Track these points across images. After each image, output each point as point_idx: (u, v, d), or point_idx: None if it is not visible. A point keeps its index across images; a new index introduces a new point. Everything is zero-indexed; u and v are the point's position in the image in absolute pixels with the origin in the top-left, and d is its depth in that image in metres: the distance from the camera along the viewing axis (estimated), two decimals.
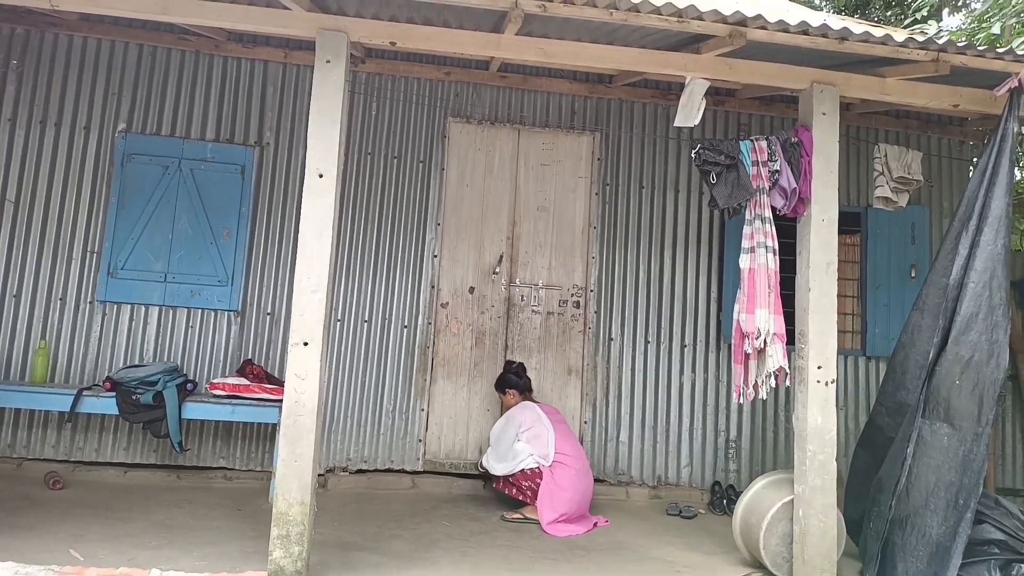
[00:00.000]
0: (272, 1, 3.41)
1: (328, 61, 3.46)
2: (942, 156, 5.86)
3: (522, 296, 5.33)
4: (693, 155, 3.87)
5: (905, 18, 9.61)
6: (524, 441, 4.56)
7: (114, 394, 4.36)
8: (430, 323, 5.21)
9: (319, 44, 3.48)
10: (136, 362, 4.84)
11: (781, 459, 5.34)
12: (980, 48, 3.65)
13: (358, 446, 5.08)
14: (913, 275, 5.62)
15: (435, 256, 5.25)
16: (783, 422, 5.39)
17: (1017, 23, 7.16)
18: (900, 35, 3.72)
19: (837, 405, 3.79)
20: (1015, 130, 3.81)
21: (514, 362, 5.03)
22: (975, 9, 8.25)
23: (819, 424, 3.66)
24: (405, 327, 5.20)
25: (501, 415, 4.89)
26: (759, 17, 3.39)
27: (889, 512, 3.66)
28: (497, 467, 4.61)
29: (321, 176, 3.42)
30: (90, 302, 4.92)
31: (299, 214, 3.46)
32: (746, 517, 3.91)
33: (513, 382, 4.90)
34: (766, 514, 3.74)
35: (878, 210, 4.94)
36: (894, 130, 5.78)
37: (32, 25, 4.95)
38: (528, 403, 4.81)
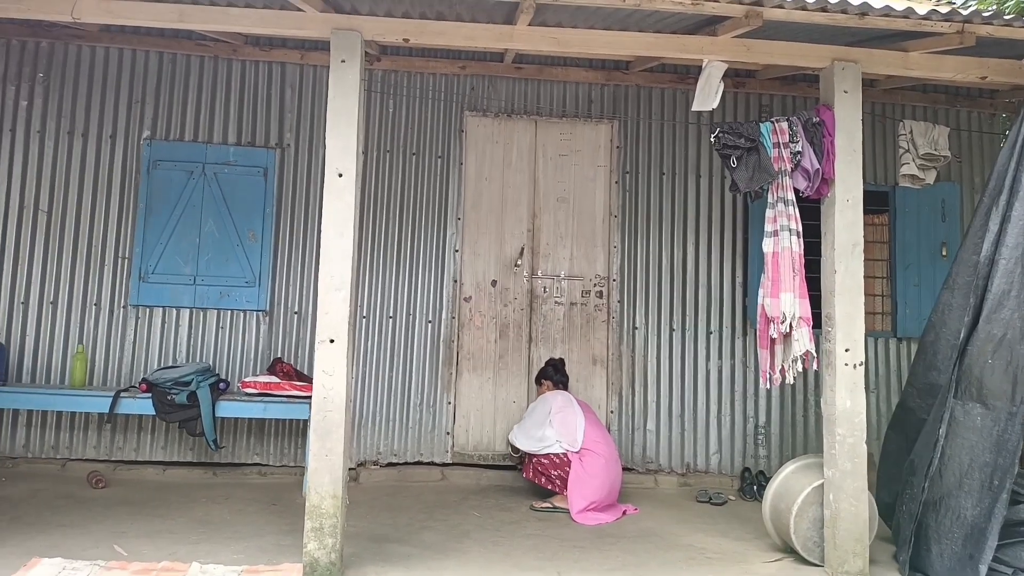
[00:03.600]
0: (286, 3, 3.45)
1: (343, 61, 3.49)
2: (972, 130, 5.71)
3: (544, 287, 5.34)
4: (712, 139, 3.83)
5: None
6: (553, 427, 4.58)
7: (150, 395, 4.48)
8: (454, 317, 5.25)
9: (333, 44, 3.51)
10: (170, 363, 4.95)
11: (812, 443, 5.28)
12: (1007, 17, 3.54)
13: (388, 440, 5.15)
14: (944, 254, 5.50)
15: (456, 250, 5.28)
16: (813, 406, 5.33)
17: None
18: (923, 8, 3.63)
19: (868, 388, 3.76)
20: None
21: (555, 358, 5.07)
22: None
23: (848, 407, 3.61)
24: (429, 322, 5.24)
25: None
26: None
27: (922, 494, 3.61)
28: (521, 441, 4.66)
29: (341, 175, 3.46)
30: (123, 307, 5.04)
31: (322, 213, 3.50)
32: (776, 503, 3.88)
33: (549, 374, 4.95)
34: (796, 499, 3.71)
35: (906, 188, 4.83)
36: (921, 105, 5.64)
37: (56, 38, 5.07)
38: (562, 391, 4.84)
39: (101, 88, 5.14)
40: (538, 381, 5.02)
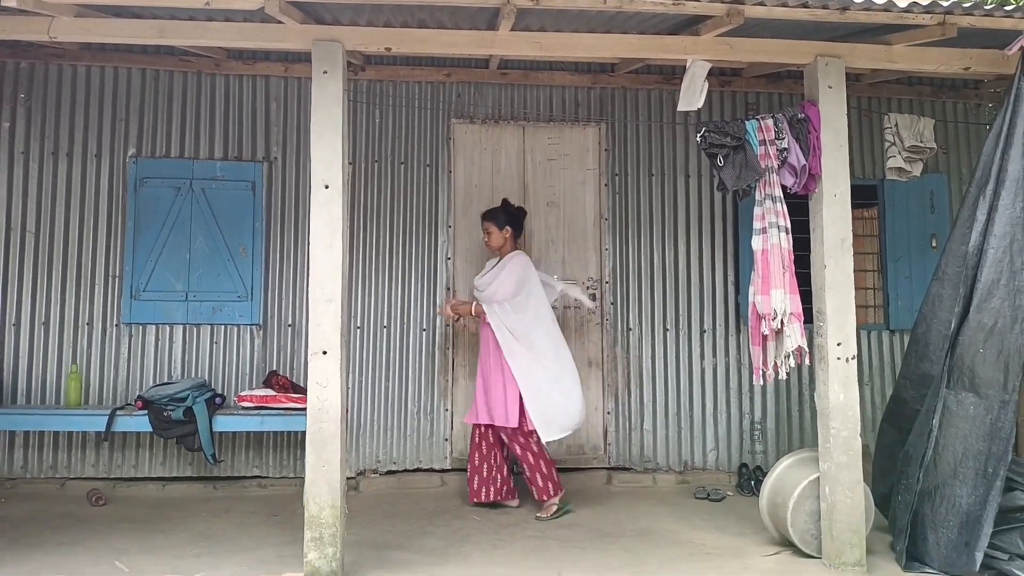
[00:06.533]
0: (265, 17, 3.45)
1: (325, 72, 3.49)
2: (958, 121, 5.73)
3: None
4: (698, 139, 3.84)
5: None
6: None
7: (146, 412, 4.48)
8: (448, 325, 5.24)
9: (315, 55, 3.51)
10: (165, 380, 4.94)
11: (808, 437, 5.30)
12: (988, 7, 3.57)
13: (387, 448, 5.15)
14: (934, 245, 5.52)
15: (448, 258, 5.28)
16: (808, 401, 5.34)
17: None
18: (903, 0, 3.65)
19: (862, 381, 3.77)
20: None
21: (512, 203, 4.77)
22: None
23: (841, 401, 3.63)
24: (424, 330, 5.24)
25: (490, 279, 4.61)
26: None
27: (917, 484, 3.64)
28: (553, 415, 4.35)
29: (327, 187, 3.46)
30: (116, 325, 5.03)
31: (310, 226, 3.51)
32: (772, 497, 3.90)
33: (500, 219, 4.61)
34: (792, 493, 3.73)
35: (894, 181, 4.85)
36: (907, 98, 5.65)
37: (36, 58, 5.04)
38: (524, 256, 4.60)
39: (84, 107, 5.12)
40: (497, 221, 4.60)
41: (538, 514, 4.43)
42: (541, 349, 4.41)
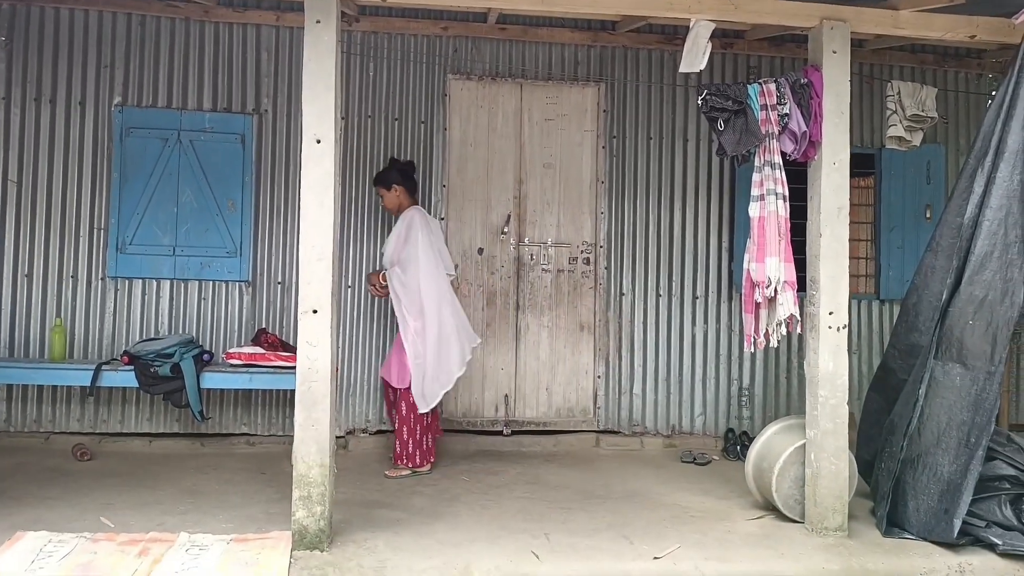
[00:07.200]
0: None
1: (318, 21, 3.37)
2: (959, 91, 5.68)
3: (531, 255, 5.30)
4: (699, 101, 3.77)
5: None
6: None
7: (132, 368, 4.43)
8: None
9: (307, 4, 3.38)
10: (152, 335, 4.89)
11: (794, 405, 5.36)
12: None
13: (376, 408, 5.14)
14: (928, 216, 5.52)
15: (442, 218, 5.21)
16: (796, 368, 5.39)
17: None
18: None
19: (850, 349, 3.78)
20: None
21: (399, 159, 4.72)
22: None
23: (830, 369, 3.65)
24: None
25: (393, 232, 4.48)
26: None
27: (901, 452, 3.68)
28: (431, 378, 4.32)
29: (319, 142, 3.37)
30: (101, 278, 4.95)
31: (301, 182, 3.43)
32: (758, 462, 3.95)
33: (394, 178, 4.51)
34: (778, 459, 3.77)
35: (892, 151, 4.81)
36: (909, 66, 5.59)
37: (16, 0, 4.85)
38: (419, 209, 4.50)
39: (68, 52, 4.95)
40: (384, 184, 4.54)
41: (387, 471, 4.45)
42: (429, 308, 4.36)
